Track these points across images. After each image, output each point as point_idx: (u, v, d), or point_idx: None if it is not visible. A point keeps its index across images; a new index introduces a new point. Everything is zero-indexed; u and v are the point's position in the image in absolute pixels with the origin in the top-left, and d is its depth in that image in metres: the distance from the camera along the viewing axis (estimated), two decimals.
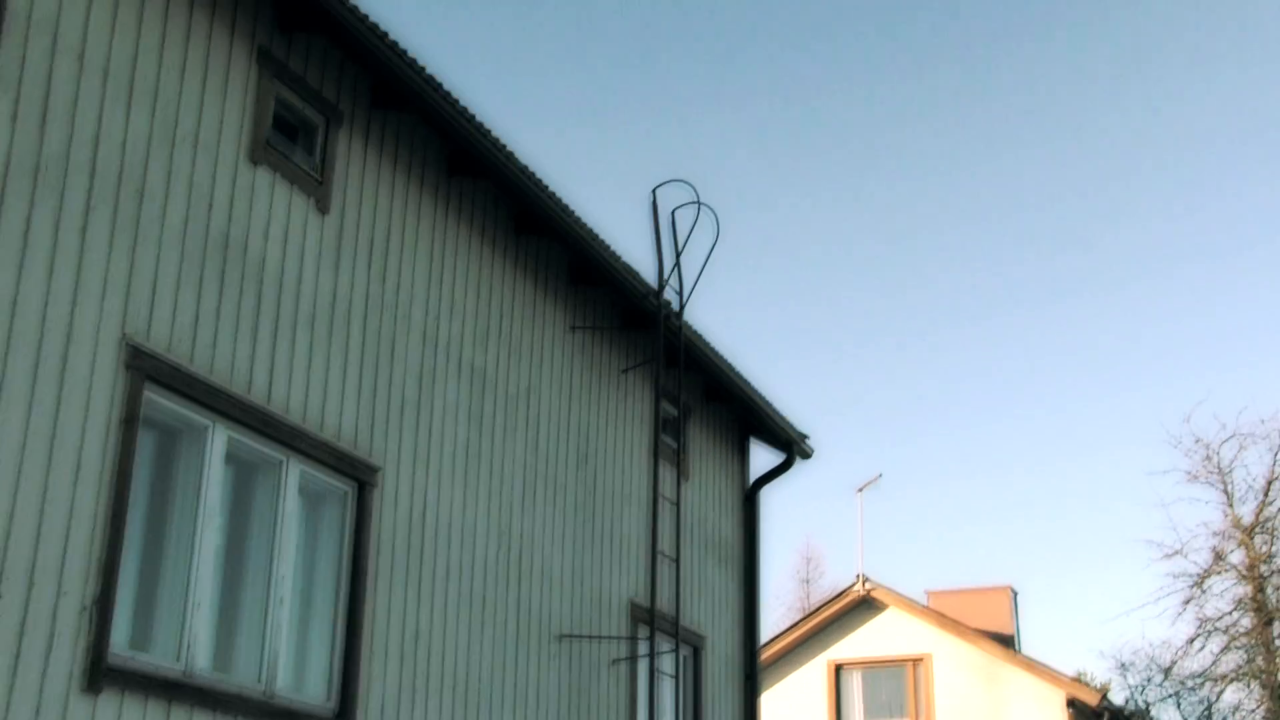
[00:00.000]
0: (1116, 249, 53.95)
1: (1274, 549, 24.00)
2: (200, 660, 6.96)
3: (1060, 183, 54.90)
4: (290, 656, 7.76)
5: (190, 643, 6.89)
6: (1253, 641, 23.68)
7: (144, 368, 6.68)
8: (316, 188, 8.21)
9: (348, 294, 8.40)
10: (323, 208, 8.24)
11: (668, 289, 11.46)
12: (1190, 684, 24.35)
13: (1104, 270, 54.65)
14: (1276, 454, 24.07)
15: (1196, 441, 24.90)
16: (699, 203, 11.22)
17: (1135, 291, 54.22)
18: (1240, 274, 49.59)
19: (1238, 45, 46.44)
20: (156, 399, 6.83)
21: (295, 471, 7.83)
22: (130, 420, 6.58)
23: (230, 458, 7.41)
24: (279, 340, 7.74)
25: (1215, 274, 51.08)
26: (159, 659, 6.75)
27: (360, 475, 8.29)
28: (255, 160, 7.69)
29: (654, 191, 11.39)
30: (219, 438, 7.23)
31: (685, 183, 11.20)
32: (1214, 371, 48.70)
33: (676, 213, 11.37)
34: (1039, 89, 54.21)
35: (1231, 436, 24.60)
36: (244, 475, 7.66)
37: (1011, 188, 56.70)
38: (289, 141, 8.15)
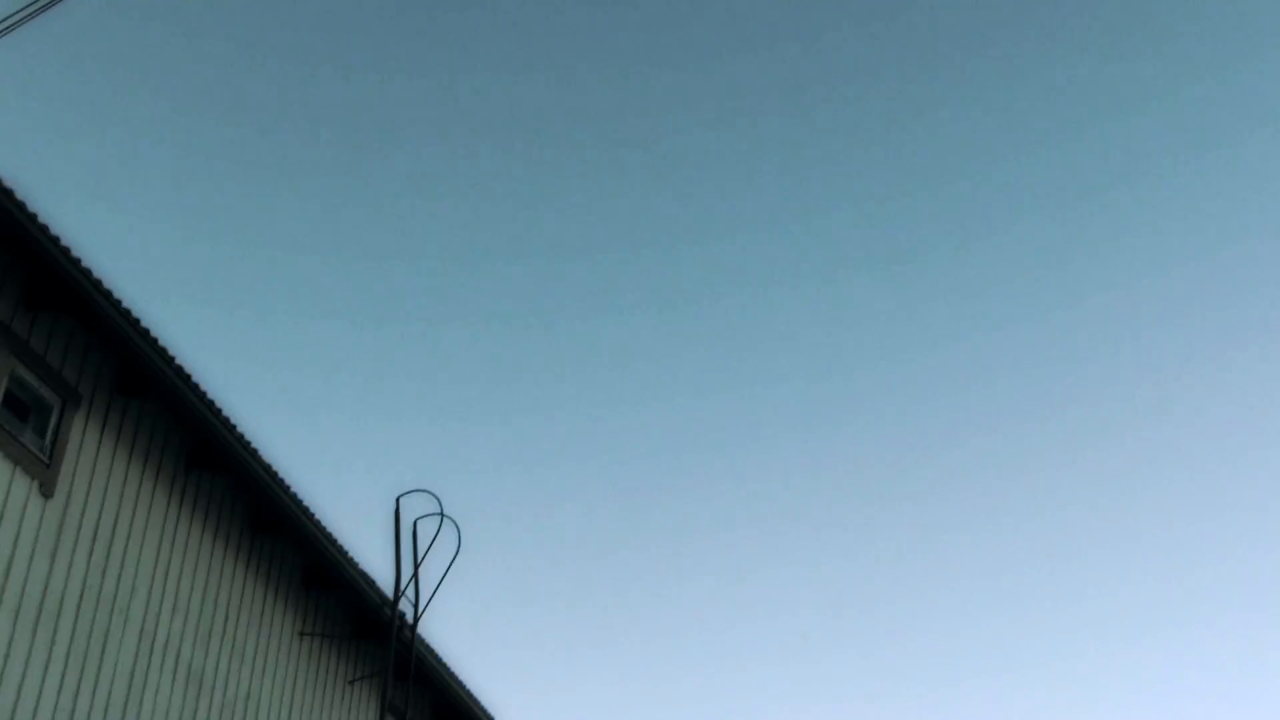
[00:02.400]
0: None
1: None
2: None
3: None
4: None
5: None
6: None
7: None
8: (43, 470, 7.87)
9: (62, 584, 7.93)
10: (47, 492, 7.88)
11: (404, 600, 11.25)
12: None
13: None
14: None
15: None
16: (442, 514, 11.22)
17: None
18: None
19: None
20: None
21: None
22: None
23: None
24: None
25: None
26: None
27: None
28: None
29: (398, 500, 11.34)
30: None
31: (429, 492, 11.21)
32: None
33: (419, 522, 11.32)
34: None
35: None
36: None
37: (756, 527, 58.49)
38: (19, 420, 7.85)
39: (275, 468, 9.58)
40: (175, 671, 8.98)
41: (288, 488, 9.73)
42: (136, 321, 8.16)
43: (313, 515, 10.08)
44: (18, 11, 6.35)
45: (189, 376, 8.61)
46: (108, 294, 7.89)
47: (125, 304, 8.05)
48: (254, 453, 9.34)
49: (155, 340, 8.31)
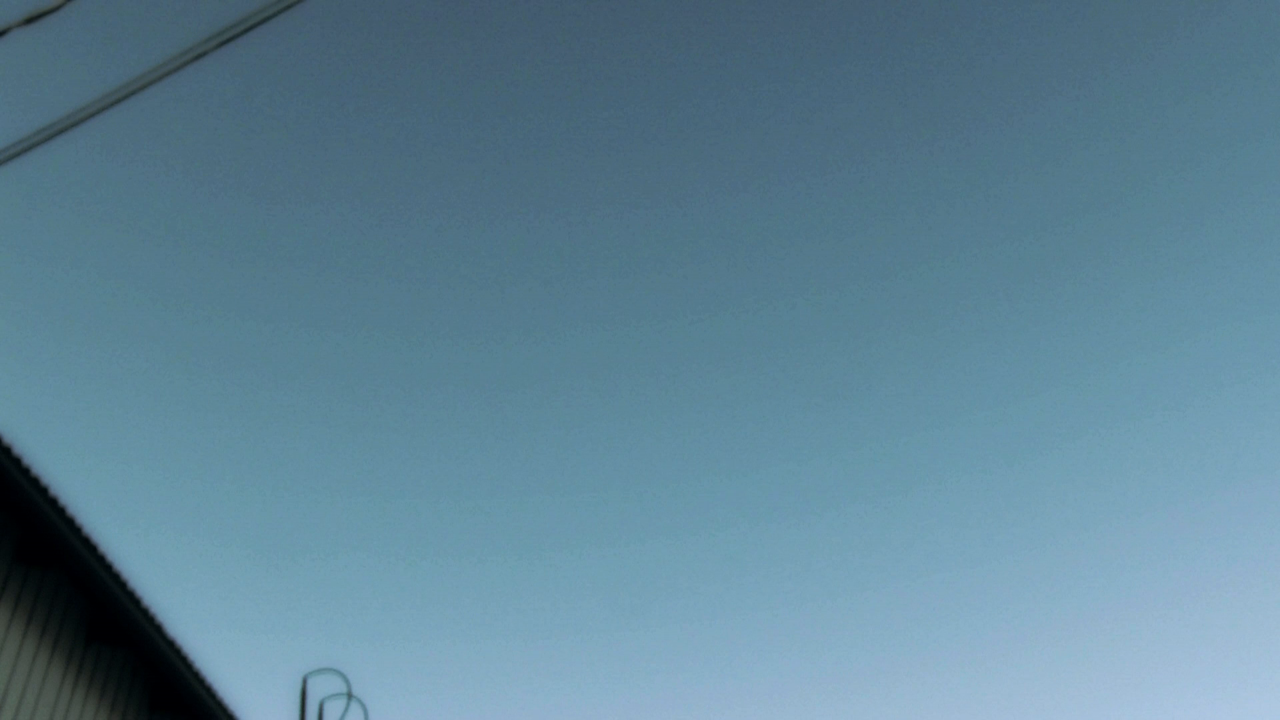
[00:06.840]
0: None
1: None
2: None
3: None
4: None
5: None
6: None
7: None
8: None
9: None
10: None
11: None
12: None
13: None
14: None
15: None
16: (349, 694, 11.06)
17: None
18: None
19: None
20: None
21: None
22: None
23: None
24: None
25: None
26: None
27: None
28: None
29: (305, 679, 11.18)
30: None
31: (337, 672, 11.07)
32: None
33: (325, 702, 11.14)
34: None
35: None
36: None
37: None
38: None
39: (179, 643, 9.45)
40: None
41: (191, 664, 9.58)
42: (45, 489, 8.14)
43: (216, 694, 9.90)
44: None
45: (95, 546, 8.56)
46: (17, 460, 7.90)
47: (33, 470, 8.04)
48: (159, 628, 9.22)
49: (62, 508, 8.28)
